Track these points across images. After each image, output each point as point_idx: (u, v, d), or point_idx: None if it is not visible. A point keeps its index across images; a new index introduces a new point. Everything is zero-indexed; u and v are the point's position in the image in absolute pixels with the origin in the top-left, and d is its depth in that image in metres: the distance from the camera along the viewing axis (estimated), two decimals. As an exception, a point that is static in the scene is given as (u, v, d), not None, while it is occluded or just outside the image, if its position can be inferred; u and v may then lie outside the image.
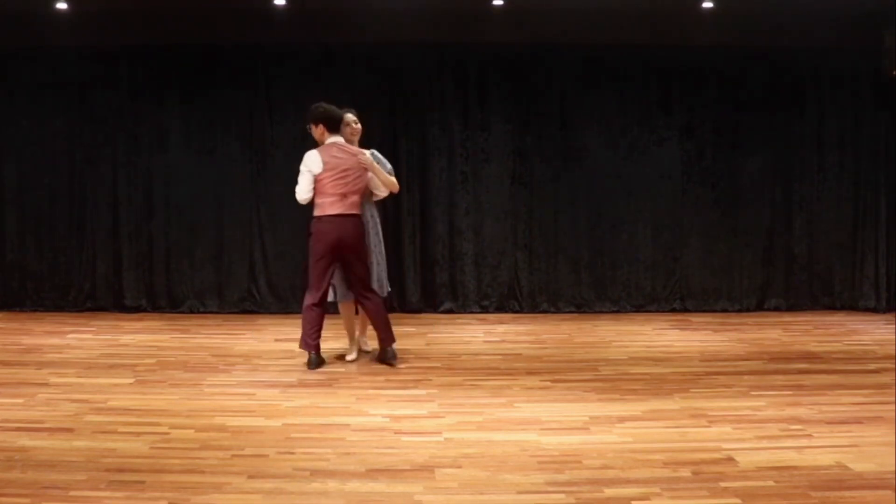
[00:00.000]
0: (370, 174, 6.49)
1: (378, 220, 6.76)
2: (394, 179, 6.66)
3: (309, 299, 6.42)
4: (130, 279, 8.79)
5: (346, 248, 6.36)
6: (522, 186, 8.88)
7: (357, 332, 6.89)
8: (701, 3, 7.97)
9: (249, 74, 8.69)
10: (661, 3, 8.13)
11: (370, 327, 6.83)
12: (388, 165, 6.71)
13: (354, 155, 6.42)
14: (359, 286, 6.50)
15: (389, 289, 6.92)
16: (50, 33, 8.34)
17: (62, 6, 7.86)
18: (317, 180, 6.33)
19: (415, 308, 8.84)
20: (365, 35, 8.47)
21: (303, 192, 6.35)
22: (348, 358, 6.73)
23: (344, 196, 6.33)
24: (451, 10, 8.34)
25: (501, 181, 8.89)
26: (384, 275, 6.77)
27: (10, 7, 7.89)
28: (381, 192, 6.67)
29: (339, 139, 6.42)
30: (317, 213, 6.38)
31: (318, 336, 6.49)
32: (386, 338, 6.61)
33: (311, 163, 6.34)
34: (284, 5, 8.04)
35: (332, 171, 6.31)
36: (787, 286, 8.99)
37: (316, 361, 6.47)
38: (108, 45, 8.56)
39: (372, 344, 6.92)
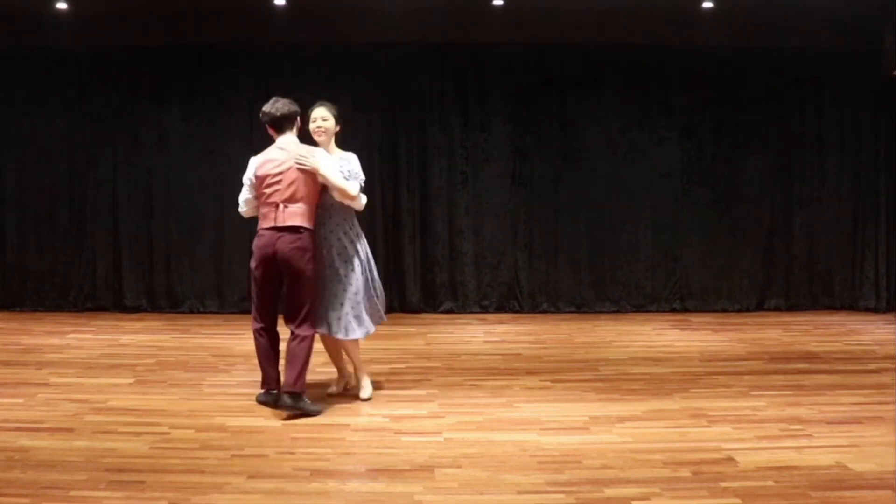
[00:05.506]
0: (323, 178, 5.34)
1: (353, 242, 5.52)
2: (347, 185, 5.37)
3: (252, 324, 5.48)
4: (130, 279, 8.79)
5: (283, 267, 5.29)
6: (522, 186, 8.88)
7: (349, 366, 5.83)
8: (701, 3, 7.97)
9: (249, 74, 8.69)
10: (661, 3, 8.13)
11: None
12: (359, 175, 5.51)
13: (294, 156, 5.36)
14: (287, 315, 5.40)
15: (364, 330, 5.54)
16: (50, 33, 8.34)
17: (62, 6, 7.86)
18: (256, 188, 5.43)
19: (415, 308, 8.84)
20: (365, 35, 8.46)
21: (240, 204, 5.55)
22: (363, 395, 5.67)
23: (276, 206, 5.32)
24: (451, 10, 8.34)
25: (501, 181, 8.89)
26: (350, 312, 5.45)
27: (10, 7, 7.89)
28: (347, 202, 5.47)
29: (287, 138, 5.45)
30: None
31: (268, 370, 5.41)
32: (290, 380, 5.27)
33: (248, 169, 5.49)
34: (284, 5, 8.03)
35: (264, 177, 5.38)
36: (787, 286, 8.98)
37: (263, 399, 5.42)
38: (108, 45, 8.56)
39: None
